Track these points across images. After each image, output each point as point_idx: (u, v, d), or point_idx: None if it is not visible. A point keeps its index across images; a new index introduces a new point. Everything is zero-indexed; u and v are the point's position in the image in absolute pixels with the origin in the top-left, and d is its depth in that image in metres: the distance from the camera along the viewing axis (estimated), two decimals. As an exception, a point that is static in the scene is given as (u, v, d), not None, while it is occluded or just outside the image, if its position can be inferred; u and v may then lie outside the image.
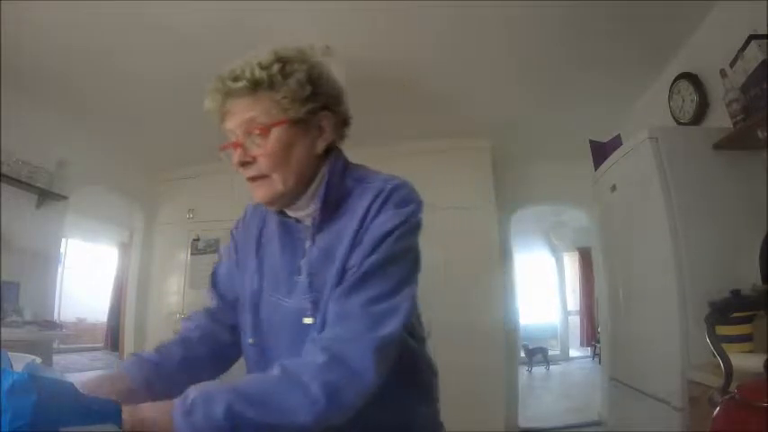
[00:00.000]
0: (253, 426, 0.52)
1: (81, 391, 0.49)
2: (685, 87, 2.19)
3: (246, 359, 0.79)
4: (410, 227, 0.69)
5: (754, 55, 1.59)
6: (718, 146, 1.74)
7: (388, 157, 2.59)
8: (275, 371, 0.58)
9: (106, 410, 0.49)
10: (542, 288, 8.12)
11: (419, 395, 0.79)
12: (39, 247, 2.96)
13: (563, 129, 3.31)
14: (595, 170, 2.46)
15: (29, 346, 2.22)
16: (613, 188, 2.16)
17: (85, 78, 2.64)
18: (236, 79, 0.67)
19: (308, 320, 0.69)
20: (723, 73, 1.76)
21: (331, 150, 0.76)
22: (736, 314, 1.41)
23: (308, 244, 0.74)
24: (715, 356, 0.90)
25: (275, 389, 0.55)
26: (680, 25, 2.12)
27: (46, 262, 3.05)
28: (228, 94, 0.68)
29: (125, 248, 6.29)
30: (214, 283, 0.88)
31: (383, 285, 0.64)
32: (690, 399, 1.49)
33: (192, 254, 3.99)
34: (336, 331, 0.61)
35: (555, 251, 8.12)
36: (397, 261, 0.66)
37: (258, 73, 0.66)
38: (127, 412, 0.50)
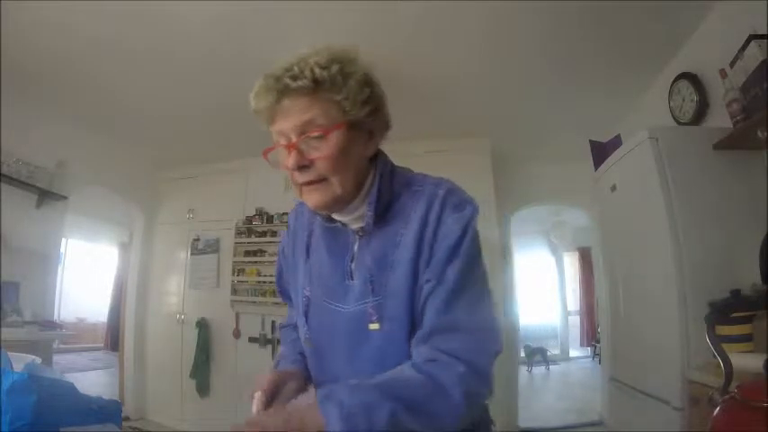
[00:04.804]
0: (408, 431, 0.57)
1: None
2: (685, 87, 2.19)
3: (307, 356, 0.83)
4: (474, 228, 0.71)
5: (754, 55, 1.59)
6: (718, 146, 1.74)
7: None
8: (416, 375, 0.61)
9: (106, 410, 0.49)
10: (542, 288, 8.10)
11: None
12: (39, 247, 2.96)
13: (563, 129, 3.31)
14: (595, 170, 2.46)
15: (29, 346, 2.22)
16: (613, 188, 2.15)
17: (85, 78, 2.64)
18: (295, 78, 0.63)
19: (373, 326, 0.69)
20: (723, 73, 1.76)
21: (377, 153, 0.76)
22: (736, 314, 1.41)
23: (355, 248, 0.74)
24: (715, 356, 0.90)
25: (426, 397, 0.60)
26: (680, 25, 2.12)
27: (46, 262, 3.05)
28: (284, 94, 0.65)
29: (125, 248, 6.28)
30: (284, 294, 0.92)
31: (474, 293, 0.68)
32: (690, 399, 1.49)
33: (191, 254, 3.98)
34: (458, 343, 0.63)
35: (555, 251, 8.11)
36: (476, 265, 0.70)
37: (319, 72, 0.64)
38: (282, 419, 0.55)
